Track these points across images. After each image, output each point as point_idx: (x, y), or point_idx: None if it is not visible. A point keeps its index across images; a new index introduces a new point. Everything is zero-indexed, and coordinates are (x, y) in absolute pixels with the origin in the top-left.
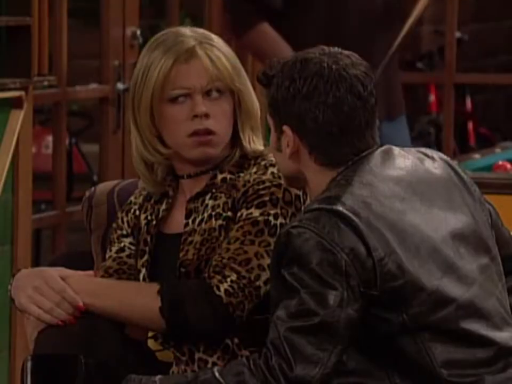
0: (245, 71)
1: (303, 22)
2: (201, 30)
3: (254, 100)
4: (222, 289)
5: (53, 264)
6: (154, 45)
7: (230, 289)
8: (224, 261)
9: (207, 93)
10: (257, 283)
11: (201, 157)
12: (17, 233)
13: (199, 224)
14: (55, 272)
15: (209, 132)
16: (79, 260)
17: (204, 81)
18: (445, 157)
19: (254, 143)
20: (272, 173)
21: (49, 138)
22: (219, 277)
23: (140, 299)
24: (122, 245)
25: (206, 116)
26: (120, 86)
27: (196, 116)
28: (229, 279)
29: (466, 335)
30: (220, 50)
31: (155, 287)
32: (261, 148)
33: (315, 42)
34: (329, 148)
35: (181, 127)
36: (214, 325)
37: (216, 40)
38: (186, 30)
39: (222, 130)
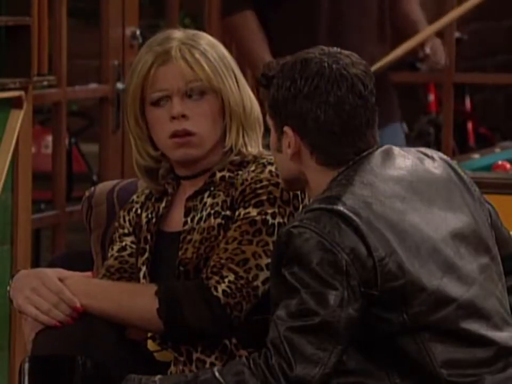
0: (242, 73)
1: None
2: (192, 31)
3: (241, 100)
4: (219, 290)
5: (52, 264)
6: (144, 46)
7: (228, 289)
8: (222, 261)
9: (188, 94)
10: (255, 283)
11: (183, 158)
12: (17, 233)
13: (198, 222)
14: (53, 273)
15: (188, 133)
16: (79, 260)
17: (180, 83)
18: (444, 156)
19: (245, 144)
20: (270, 171)
21: (49, 138)
22: (217, 278)
23: (137, 300)
24: (123, 243)
25: (184, 116)
26: (119, 85)
27: (173, 118)
28: (226, 280)
29: (466, 335)
30: (202, 51)
31: (153, 288)
32: (252, 148)
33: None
34: (331, 148)
35: (163, 129)
36: (211, 326)
37: (204, 41)
38: (176, 32)
39: (203, 131)
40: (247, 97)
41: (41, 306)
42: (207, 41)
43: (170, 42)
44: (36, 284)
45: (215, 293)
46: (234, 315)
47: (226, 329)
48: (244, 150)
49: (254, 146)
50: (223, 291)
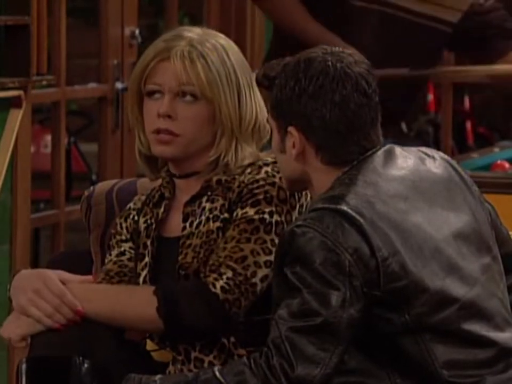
0: None
1: None
2: (209, 32)
3: (237, 112)
4: (218, 286)
5: (51, 263)
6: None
7: (226, 286)
8: (220, 259)
9: (181, 95)
10: (254, 280)
11: (161, 155)
12: (16, 232)
13: (197, 227)
14: (55, 275)
15: (170, 133)
16: (78, 260)
17: (173, 82)
18: (445, 156)
19: (236, 159)
20: (266, 171)
21: (48, 138)
22: (215, 275)
23: (136, 300)
24: (122, 249)
25: (169, 116)
26: (119, 85)
27: (159, 115)
28: (224, 276)
29: (468, 336)
30: (204, 56)
31: (151, 288)
32: (244, 162)
33: None
34: (336, 147)
35: (150, 122)
36: (211, 322)
37: (212, 44)
38: (191, 30)
39: (187, 134)
40: (247, 109)
41: (45, 310)
42: (217, 45)
43: (178, 41)
44: (38, 286)
45: (213, 290)
46: (233, 311)
47: (225, 326)
48: (232, 165)
49: (248, 159)
50: (222, 287)
